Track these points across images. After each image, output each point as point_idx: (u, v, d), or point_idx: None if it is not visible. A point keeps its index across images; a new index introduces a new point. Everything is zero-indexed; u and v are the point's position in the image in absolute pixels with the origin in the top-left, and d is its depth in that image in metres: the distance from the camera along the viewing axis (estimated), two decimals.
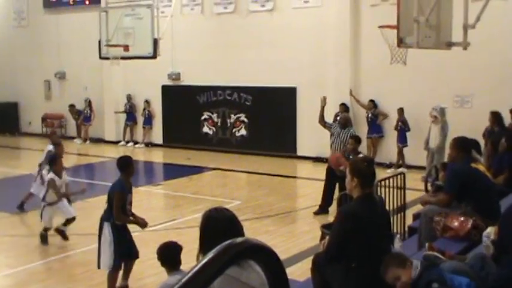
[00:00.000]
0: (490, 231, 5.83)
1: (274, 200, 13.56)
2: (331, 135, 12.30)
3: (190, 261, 5.13)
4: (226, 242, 1.71)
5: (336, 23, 17.46)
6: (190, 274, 1.61)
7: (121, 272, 7.99)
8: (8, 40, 25.31)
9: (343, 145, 11.79)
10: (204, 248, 3.60)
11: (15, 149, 22.60)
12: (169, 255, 5.51)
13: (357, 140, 11.43)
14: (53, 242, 10.41)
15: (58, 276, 8.62)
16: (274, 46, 18.55)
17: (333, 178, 11.59)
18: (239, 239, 1.74)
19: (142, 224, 8.01)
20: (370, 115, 17.05)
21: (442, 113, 13.86)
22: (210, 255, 1.66)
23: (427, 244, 6.08)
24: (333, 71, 17.61)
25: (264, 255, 1.76)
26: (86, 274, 8.84)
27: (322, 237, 7.75)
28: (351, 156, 10.70)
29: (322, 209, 11.88)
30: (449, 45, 8.45)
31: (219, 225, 3.57)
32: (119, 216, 7.63)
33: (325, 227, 8.49)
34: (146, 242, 10.09)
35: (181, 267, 5.55)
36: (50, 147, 12.33)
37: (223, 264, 1.64)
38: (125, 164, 7.85)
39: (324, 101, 12.48)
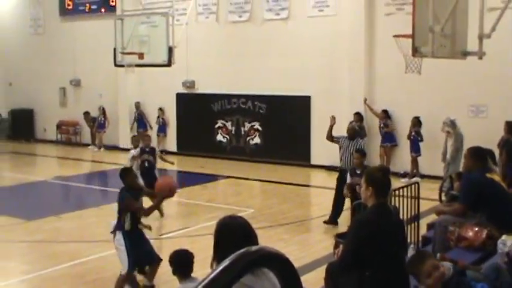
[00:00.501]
0: (506, 239, 5.80)
1: (287, 209, 13.54)
2: (339, 148, 12.24)
3: (202, 268, 5.14)
4: (242, 250, 1.71)
5: (351, 31, 17.46)
6: (206, 281, 1.61)
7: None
8: (24, 47, 25.54)
9: (351, 161, 11.67)
10: (218, 256, 3.59)
11: (31, 156, 22.74)
12: (181, 262, 5.50)
13: (362, 153, 11.28)
14: (66, 249, 10.46)
15: (71, 283, 8.65)
16: (289, 55, 18.58)
17: (342, 181, 11.58)
18: (254, 247, 1.75)
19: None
20: (382, 125, 17.04)
21: (453, 126, 13.79)
22: (225, 262, 1.66)
23: (439, 255, 6.06)
24: (348, 80, 17.60)
25: (279, 263, 1.76)
26: (99, 281, 8.87)
27: (336, 246, 7.72)
28: (358, 172, 10.63)
29: (332, 220, 11.82)
30: (465, 54, 8.42)
31: (233, 233, 3.57)
32: (145, 213, 8.19)
33: (339, 236, 8.46)
34: (159, 249, 10.12)
35: (194, 274, 5.55)
36: (133, 152, 12.79)
37: (238, 272, 1.64)
38: (122, 174, 8.44)
39: (333, 120, 12.41)
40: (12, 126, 26.09)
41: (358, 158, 11.07)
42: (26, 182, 17.23)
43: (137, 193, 8.25)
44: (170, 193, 8.19)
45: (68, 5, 24.09)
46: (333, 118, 12.48)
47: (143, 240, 8.05)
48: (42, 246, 10.67)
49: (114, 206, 9.56)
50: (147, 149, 12.78)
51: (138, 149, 12.83)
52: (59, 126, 24.84)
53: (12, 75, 26.04)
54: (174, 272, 5.55)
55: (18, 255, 10.60)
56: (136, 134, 21.99)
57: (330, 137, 12.43)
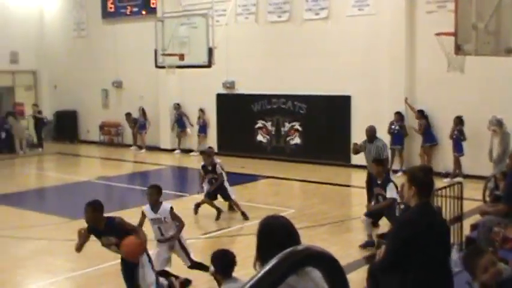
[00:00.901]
0: None
1: (328, 209, 13.50)
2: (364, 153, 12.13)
3: (242, 269, 5.18)
4: (288, 249, 1.72)
5: (391, 30, 17.32)
6: (253, 280, 1.62)
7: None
8: (68, 50, 26.02)
9: None
10: (261, 256, 3.56)
11: (75, 156, 23.15)
12: (223, 262, 5.46)
13: (378, 162, 10.83)
14: None
15: (115, 281, 8.76)
16: (329, 54, 18.52)
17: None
18: (300, 246, 1.76)
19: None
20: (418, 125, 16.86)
21: (499, 124, 13.56)
22: (273, 262, 1.67)
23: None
24: (388, 79, 17.46)
25: (327, 262, 1.76)
26: None
27: (378, 247, 7.68)
28: (378, 182, 10.48)
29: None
30: (509, 51, 8.27)
31: (275, 233, 3.57)
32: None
33: (381, 236, 8.41)
34: (200, 249, 10.22)
35: (235, 274, 5.53)
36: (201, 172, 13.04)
37: (285, 271, 1.65)
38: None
39: (355, 146, 12.29)
40: (57, 127, 26.61)
41: (375, 168, 10.69)
42: (70, 182, 17.57)
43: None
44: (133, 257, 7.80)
45: (110, 8, 24.46)
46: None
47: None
48: (87, 245, 10.83)
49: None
50: (210, 168, 12.80)
51: (201, 170, 13.01)
52: (101, 128, 25.24)
53: (57, 78, 26.56)
54: (216, 272, 5.48)
55: (64, 253, 10.80)
56: (178, 133, 22.27)
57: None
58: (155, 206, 8.71)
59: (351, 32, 18.12)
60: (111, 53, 24.32)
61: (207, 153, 13.23)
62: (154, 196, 8.73)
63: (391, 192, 10.13)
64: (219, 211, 12.59)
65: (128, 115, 23.60)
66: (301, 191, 16.42)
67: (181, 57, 16.62)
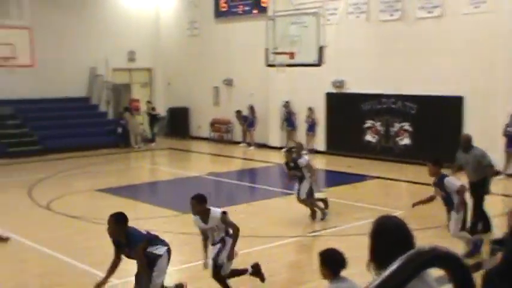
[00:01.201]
0: None
1: (438, 211, 13.15)
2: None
3: (349, 268, 5.17)
4: (414, 250, 1.74)
5: (510, 28, 16.62)
6: (378, 281, 1.64)
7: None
8: (182, 48, 26.86)
9: (476, 172, 11.06)
10: (375, 256, 3.49)
11: (186, 152, 23.87)
12: (332, 261, 5.42)
13: (436, 162, 10.38)
14: None
15: None
16: (441, 54, 18.05)
17: (477, 193, 11.06)
18: (427, 247, 1.77)
19: None
20: None
21: None
22: (399, 262, 1.69)
23: None
24: (505, 80, 16.78)
25: (453, 264, 1.76)
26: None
27: (492, 253, 7.45)
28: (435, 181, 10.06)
29: (475, 225, 11.31)
30: None
31: (390, 234, 3.51)
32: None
33: (495, 242, 8.15)
34: (307, 248, 10.29)
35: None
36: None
37: (412, 272, 1.66)
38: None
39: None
40: (169, 123, 27.54)
41: (431, 168, 10.28)
42: (181, 177, 18.16)
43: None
44: None
45: (223, 7, 25.00)
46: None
47: None
48: (197, 239, 11.19)
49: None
50: (292, 164, 12.67)
51: (285, 167, 12.91)
52: (212, 124, 25.87)
53: (171, 75, 27.49)
54: (325, 270, 5.41)
55: (177, 246, 11.17)
56: (287, 132, 22.44)
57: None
58: (203, 216, 8.26)
59: (465, 31, 17.57)
60: (222, 51, 24.87)
61: (286, 151, 13.29)
62: (196, 207, 8.26)
63: (453, 183, 9.89)
64: (320, 210, 12.51)
65: (238, 112, 24.05)
66: (409, 192, 16.11)
67: (292, 55, 16.77)
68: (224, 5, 24.97)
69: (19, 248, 10.82)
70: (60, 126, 23.54)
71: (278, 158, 21.31)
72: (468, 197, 10.84)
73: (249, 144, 23.57)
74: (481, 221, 11.41)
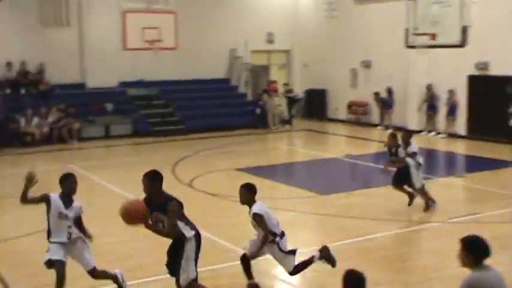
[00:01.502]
0: None
1: None
2: None
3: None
4: None
5: None
6: None
7: None
8: (319, 30, 26.84)
9: None
10: None
11: (322, 134, 23.95)
12: (476, 248, 5.22)
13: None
14: (354, 225, 10.92)
15: (357, 258, 8.96)
16: None
17: None
18: None
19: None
20: None
21: None
22: None
23: None
24: None
25: None
26: (385, 259, 9.13)
27: None
28: None
29: None
30: None
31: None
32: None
33: None
34: (448, 234, 10.07)
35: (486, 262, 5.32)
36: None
37: None
38: None
39: None
40: (306, 105, 27.72)
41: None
42: (318, 158, 18.28)
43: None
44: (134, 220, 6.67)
45: None
46: None
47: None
48: (333, 220, 11.31)
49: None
50: (393, 150, 12.11)
51: (386, 149, 12.32)
52: (349, 106, 25.72)
53: (308, 56, 27.58)
54: (467, 256, 5.19)
55: (312, 227, 11.39)
56: (427, 115, 21.86)
57: None
58: (249, 207, 7.51)
59: None
60: (360, 33, 24.59)
61: (391, 134, 12.52)
62: (244, 196, 7.56)
63: None
64: (410, 197, 11.96)
65: (376, 94, 23.75)
66: None
67: (433, 36, 16.32)
68: None
69: None
70: (201, 107, 24.41)
71: (415, 142, 20.86)
72: None
73: (387, 127, 23.22)
74: None
